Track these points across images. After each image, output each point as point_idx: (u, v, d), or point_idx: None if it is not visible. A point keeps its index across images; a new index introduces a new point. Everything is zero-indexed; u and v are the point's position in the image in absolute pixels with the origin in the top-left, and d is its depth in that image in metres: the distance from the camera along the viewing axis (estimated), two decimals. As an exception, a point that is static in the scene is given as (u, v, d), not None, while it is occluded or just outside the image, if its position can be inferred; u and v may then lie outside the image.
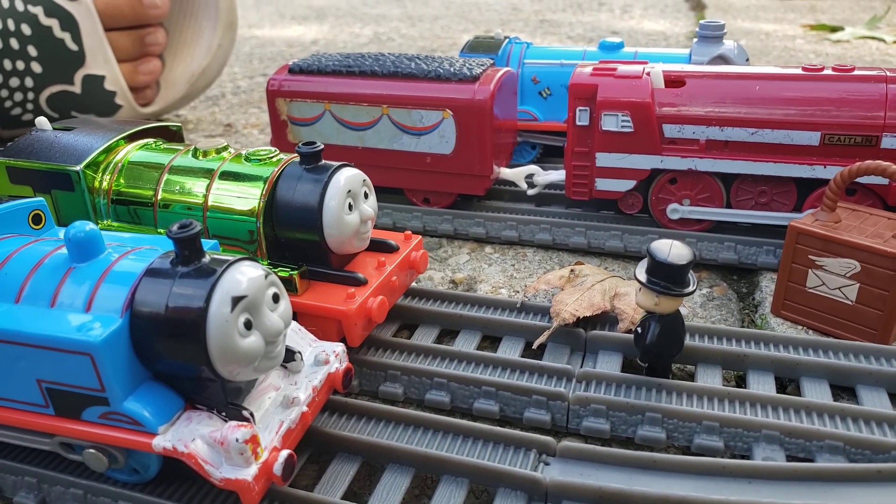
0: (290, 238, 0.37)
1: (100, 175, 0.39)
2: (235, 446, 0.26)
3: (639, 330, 0.35)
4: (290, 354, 0.31)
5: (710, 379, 0.36)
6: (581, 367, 0.38)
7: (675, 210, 0.49)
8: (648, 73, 0.48)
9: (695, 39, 0.58)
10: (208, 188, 0.38)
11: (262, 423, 0.28)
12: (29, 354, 0.27)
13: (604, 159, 0.49)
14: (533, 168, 0.55)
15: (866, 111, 0.44)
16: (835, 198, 0.40)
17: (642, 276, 0.34)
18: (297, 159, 0.37)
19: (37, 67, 0.75)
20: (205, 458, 0.27)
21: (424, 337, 0.40)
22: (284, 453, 0.27)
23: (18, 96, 0.76)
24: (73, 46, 0.76)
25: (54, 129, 0.41)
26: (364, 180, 0.37)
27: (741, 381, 0.38)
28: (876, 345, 0.37)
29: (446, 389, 0.36)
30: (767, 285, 0.46)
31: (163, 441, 0.27)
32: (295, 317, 0.35)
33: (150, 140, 0.42)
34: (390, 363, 0.37)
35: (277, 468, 0.27)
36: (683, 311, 0.44)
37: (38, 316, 0.28)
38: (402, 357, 0.38)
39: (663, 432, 0.33)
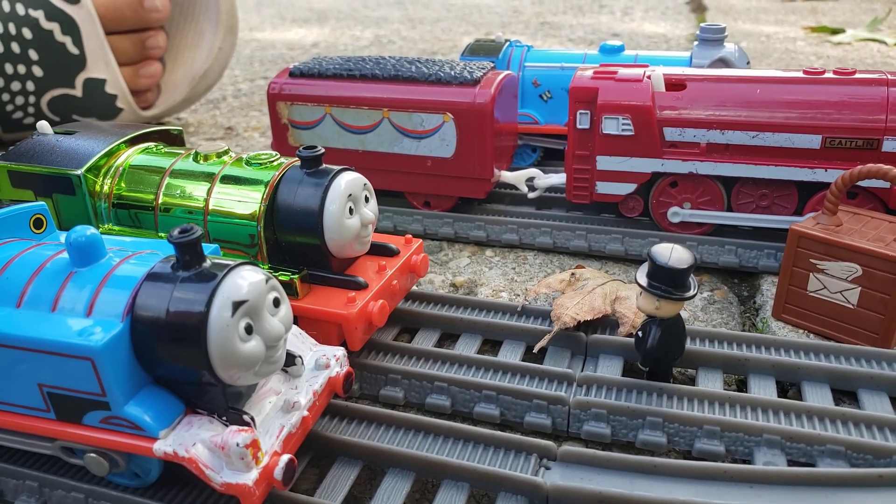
0: (291, 242, 0.37)
1: (101, 179, 0.39)
2: (236, 451, 0.26)
3: (639, 334, 0.35)
4: (291, 359, 0.31)
5: (710, 383, 0.36)
6: (582, 370, 0.37)
7: (676, 213, 0.49)
8: (649, 77, 0.48)
9: (695, 42, 0.58)
10: (209, 192, 0.38)
11: (262, 428, 0.28)
12: (30, 359, 0.27)
13: (604, 163, 0.49)
14: (533, 171, 0.55)
15: (867, 114, 0.44)
16: (836, 201, 0.40)
17: (643, 280, 0.34)
18: (298, 163, 0.37)
19: (38, 71, 0.75)
20: (206, 462, 0.27)
21: (425, 341, 0.40)
22: (285, 458, 0.27)
23: (20, 100, 0.76)
24: (74, 50, 0.76)
25: (55, 132, 0.41)
26: (365, 184, 0.37)
27: (742, 385, 0.38)
28: (877, 349, 0.37)
29: (447, 393, 0.36)
30: (768, 289, 0.46)
31: (164, 445, 0.27)
32: (295, 321, 0.35)
33: (151, 144, 0.42)
34: (391, 367, 0.37)
35: (278, 473, 0.27)
36: (684, 314, 0.44)
37: (40, 320, 0.28)
38: (402, 361, 0.38)
39: (664, 436, 0.33)
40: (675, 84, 0.48)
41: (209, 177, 0.38)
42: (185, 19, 0.84)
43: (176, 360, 0.27)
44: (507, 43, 0.62)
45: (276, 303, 0.28)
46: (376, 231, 0.42)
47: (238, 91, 1.02)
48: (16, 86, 0.75)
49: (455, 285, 0.49)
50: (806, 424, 0.32)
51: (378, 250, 0.40)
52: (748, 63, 0.57)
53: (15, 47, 0.74)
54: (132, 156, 0.40)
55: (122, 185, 0.39)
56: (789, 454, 0.32)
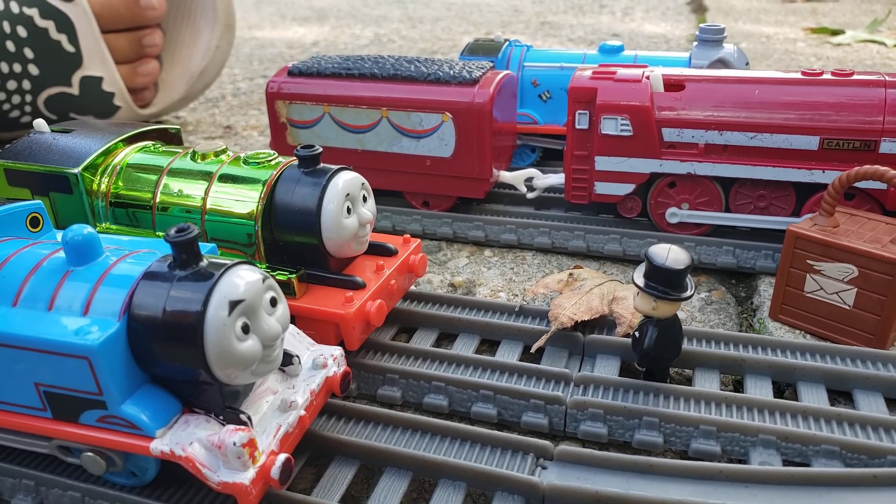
0: (289, 241, 0.37)
1: (98, 178, 0.39)
2: (233, 450, 0.26)
3: (636, 334, 0.35)
4: (288, 358, 0.31)
5: (707, 383, 0.36)
6: (579, 370, 0.38)
7: (674, 214, 0.49)
8: (648, 77, 0.48)
9: (695, 43, 0.58)
10: (207, 191, 0.38)
11: (259, 427, 0.28)
12: (27, 358, 0.27)
13: (603, 163, 0.49)
14: (532, 171, 0.55)
15: (865, 116, 0.44)
16: (833, 202, 0.40)
17: (640, 281, 0.34)
18: (296, 162, 0.37)
19: (34, 70, 0.75)
20: (202, 461, 0.27)
21: (423, 340, 0.40)
22: (282, 457, 0.27)
23: (16, 99, 0.76)
24: (69, 48, 0.76)
25: (52, 131, 0.41)
26: (363, 184, 0.37)
27: (738, 385, 0.38)
28: (873, 349, 0.37)
29: (444, 393, 0.36)
30: (766, 289, 0.46)
31: (160, 445, 0.27)
32: (293, 320, 0.35)
33: (149, 142, 0.42)
34: (388, 367, 0.37)
35: (275, 472, 0.27)
36: (681, 314, 0.44)
37: (36, 319, 0.28)
38: (400, 360, 0.38)
39: (660, 436, 0.33)
40: (673, 84, 0.48)
41: (207, 176, 0.38)
42: (182, 17, 0.84)
43: (173, 360, 0.27)
44: (507, 42, 0.62)
45: (273, 302, 0.28)
46: (374, 230, 0.42)
47: (237, 90, 1.02)
48: (12, 84, 0.75)
49: (453, 285, 0.49)
50: (801, 424, 0.32)
51: (376, 250, 0.40)
52: (747, 64, 0.57)
53: (10, 46, 0.73)
54: (130, 154, 0.40)
55: (120, 183, 0.39)
56: (785, 454, 0.32)
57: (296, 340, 0.33)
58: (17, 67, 0.74)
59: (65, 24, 0.75)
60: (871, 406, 0.34)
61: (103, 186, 0.39)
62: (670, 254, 0.33)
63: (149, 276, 0.28)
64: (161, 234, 0.38)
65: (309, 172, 0.36)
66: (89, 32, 0.75)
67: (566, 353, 0.39)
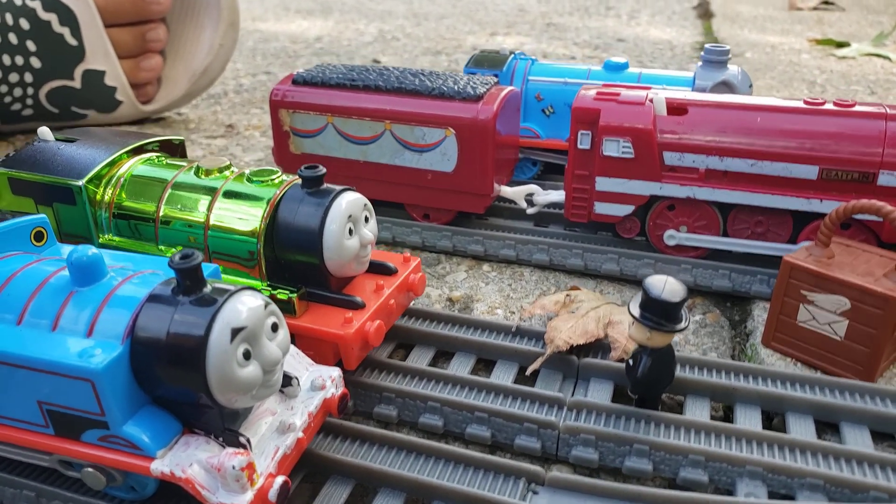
0: (290, 260, 0.37)
1: (102, 189, 0.39)
2: (232, 473, 0.27)
3: (630, 362, 0.36)
4: (288, 379, 0.32)
5: (698, 411, 0.37)
6: (573, 394, 0.38)
7: (672, 236, 0.50)
8: (651, 100, 0.49)
9: (699, 63, 0.58)
10: (210, 207, 0.38)
11: (258, 449, 0.29)
12: (31, 377, 0.28)
13: (603, 183, 0.50)
14: (533, 187, 0.55)
15: (864, 147, 0.44)
16: (829, 234, 0.40)
17: (636, 311, 0.34)
18: (299, 181, 0.38)
19: (36, 62, 0.75)
20: (202, 483, 0.27)
21: (419, 358, 0.41)
22: (279, 480, 0.28)
23: (18, 91, 0.76)
24: (72, 41, 0.75)
25: (56, 139, 0.41)
26: (365, 204, 0.38)
27: (729, 411, 0.39)
28: (861, 382, 0.37)
29: (440, 413, 0.36)
30: (760, 314, 0.46)
31: (161, 465, 0.27)
32: (293, 339, 0.36)
33: (153, 154, 0.42)
34: (385, 385, 0.37)
35: (272, 494, 0.28)
36: (676, 337, 0.45)
37: (40, 339, 0.28)
38: (397, 379, 0.39)
39: (650, 464, 0.33)
40: (676, 108, 0.49)
41: (211, 191, 0.38)
42: (186, 13, 0.84)
43: (174, 383, 0.28)
44: (512, 56, 0.62)
45: (275, 328, 0.29)
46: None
47: (239, 86, 1.02)
48: (14, 77, 0.75)
49: (451, 299, 0.49)
50: (788, 457, 0.33)
51: (376, 268, 0.40)
52: (751, 86, 0.57)
53: (12, 38, 0.73)
54: (134, 166, 0.41)
55: (123, 195, 0.39)
56: (770, 486, 0.32)
57: (295, 361, 0.33)
58: (20, 60, 0.74)
59: (68, 17, 0.74)
60: (857, 439, 0.34)
61: (107, 197, 0.40)
62: (667, 286, 0.34)
63: (153, 299, 0.28)
64: (163, 247, 0.39)
65: (312, 192, 0.37)
66: (92, 26, 0.75)
67: (560, 375, 0.39)
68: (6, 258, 0.32)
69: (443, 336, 0.42)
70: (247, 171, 0.39)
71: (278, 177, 0.38)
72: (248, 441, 0.29)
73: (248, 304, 0.28)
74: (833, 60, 1.16)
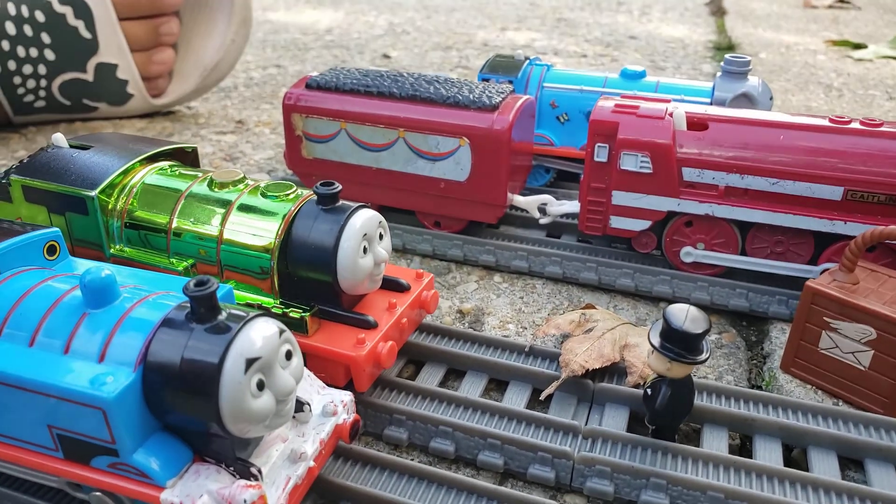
0: (303, 277, 0.37)
1: (114, 198, 0.39)
2: (243, 506, 0.26)
3: (648, 391, 0.35)
4: (300, 405, 0.31)
5: (715, 442, 0.36)
6: (587, 420, 0.38)
7: (689, 253, 0.49)
8: (671, 114, 0.47)
9: (718, 74, 0.57)
10: (224, 221, 0.37)
11: (269, 479, 0.29)
12: (42, 402, 0.27)
13: (620, 198, 0.49)
14: (546, 197, 0.54)
15: (892, 169, 0.43)
16: (854, 259, 0.39)
17: (656, 341, 0.33)
18: (314, 197, 0.37)
19: (49, 55, 0.74)
20: (212, 514, 0.27)
21: (430, 377, 0.40)
22: (291, 511, 0.27)
23: (31, 83, 0.75)
24: (86, 34, 0.75)
25: (70, 146, 0.41)
26: (380, 222, 0.37)
27: (747, 441, 0.38)
28: (887, 417, 0.36)
29: (451, 438, 0.36)
30: (777, 336, 0.46)
31: (171, 496, 0.27)
32: (304, 359, 0.35)
33: (166, 164, 0.41)
34: (396, 407, 0.37)
35: (283, 527, 0.27)
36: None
37: (52, 363, 0.27)
38: (407, 399, 0.38)
39: (667, 498, 0.33)
40: (697, 123, 0.48)
41: (225, 205, 0.38)
42: (199, 8, 0.83)
43: (186, 411, 0.27)
44: (527, 61, 0.61)
45: (289, 355, 0.28)
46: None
47: (250, 80, 1.01)
48: (27, 69, 0.74)
49: (462, 312, 0.48)
50: (811, 496, 0.32)
51: (389, 285, 0.40)
52: (771, 98, 0.56)
53: (27, 30, 0.73)
54: (147, 175, 0.40)
55: (136, 205, 0.39)
56: (791, 524, 0.32)
57: (307, 384, 0.33)
58: (34, 52, 0.73)
59: (82, 10, 0.74)
60: (882, 479, 0.34)
61: (119, 206, 0.39)
62: (688, 316, 0.33)
63: (166, 324, 0.27)
64: (175, 261, 0.38)
65: (328, 209, 0.36)
66: (107, 19, 0.75)
67: (575, 399, 0.39)
68: (20, 274, 0.31)
69: (454, 354, 0.41)
70: (261, 185, 0.38)
71: (293, 192, 0.37)
72: (260, 472, 0.28)
73: (262, 333, 0.27)
74: (850, 63, 1.14)
